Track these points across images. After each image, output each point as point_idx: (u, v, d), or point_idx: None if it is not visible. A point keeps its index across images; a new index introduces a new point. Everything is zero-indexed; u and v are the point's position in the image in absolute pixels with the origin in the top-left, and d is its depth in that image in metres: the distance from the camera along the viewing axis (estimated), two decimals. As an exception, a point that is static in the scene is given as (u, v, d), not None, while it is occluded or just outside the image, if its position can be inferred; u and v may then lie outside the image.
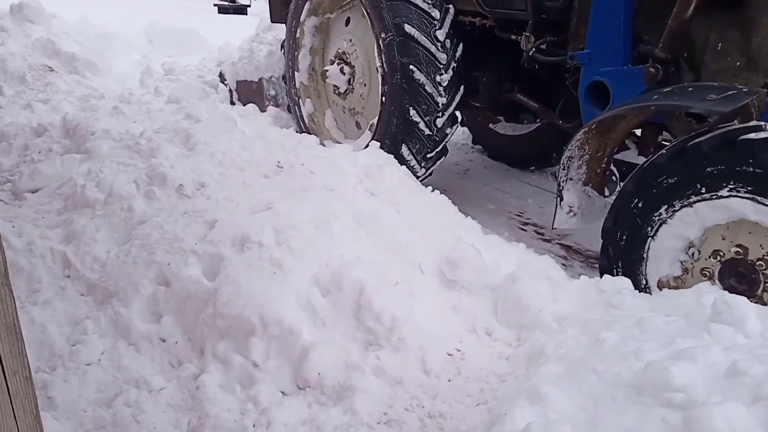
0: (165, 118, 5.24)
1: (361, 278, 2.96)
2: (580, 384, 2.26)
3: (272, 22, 6.25)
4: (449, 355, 2.85)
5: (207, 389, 2.76)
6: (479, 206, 5.05)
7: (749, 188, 2.68)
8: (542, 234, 4.74)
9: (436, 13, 4.45)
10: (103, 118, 5.11)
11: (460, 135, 6.86)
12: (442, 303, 3.09)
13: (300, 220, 3.34)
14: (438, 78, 4.42)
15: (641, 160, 3.55)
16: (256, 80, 6.68)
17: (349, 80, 5.17)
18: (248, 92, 6.75)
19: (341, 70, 5.15)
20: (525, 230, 4.80)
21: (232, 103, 6.81)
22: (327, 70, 5.20)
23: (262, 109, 6.60)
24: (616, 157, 3.96)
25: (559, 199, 3.51)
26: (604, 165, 3.62)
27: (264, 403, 2.70)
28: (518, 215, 5.04)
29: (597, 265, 4.33)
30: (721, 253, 2.94)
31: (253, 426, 2.60)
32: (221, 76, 7.19)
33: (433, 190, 4.07)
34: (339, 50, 5.24)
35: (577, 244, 4.63)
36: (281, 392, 2.78)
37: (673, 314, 2.68)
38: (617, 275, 3.19)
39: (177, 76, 7.33)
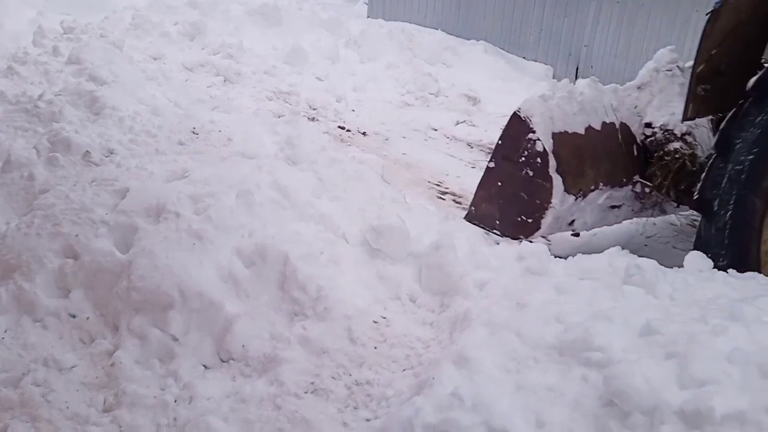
0: (66, 80, 4.89)
1: (285, 249, 2.91)
2: (503, 347, 2.32)
3: (684, 119, 3.30)
4: (375, 322, 2.86)
5: (123, 365, 2.65)
6: (399, 175, 5.06)
7: None
8: (460, 203, 4.82)
9: None
10: (-5, 78, 4.70)
11: (381, 108, 6.85)
12: (367, 272, 3.08)
13: (219, 190, 3.23)
14: None
15: None
16: (582, 131, 3.61)
17: None
18: (577, 153, 3.57)
19: None
20: (444, 199, 4.87)
21: (547, 175, 3.44)
22: None
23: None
24: None
25: None
26: None
27: (185, 377, 2.62)
28: (437, 185, 5.10)
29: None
30: None
31: (175, 401, 2.52)
32: (523, 120, 3.52)
33: (353, 159, 4.04)
34: None
35: (494, 212, 4.75)
36: (203, 366, 2.70)
37: (588, 278, 2.80)
38: None
39: (77, 36, 6.82)
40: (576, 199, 3.52)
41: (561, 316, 2.39)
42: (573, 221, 3.64)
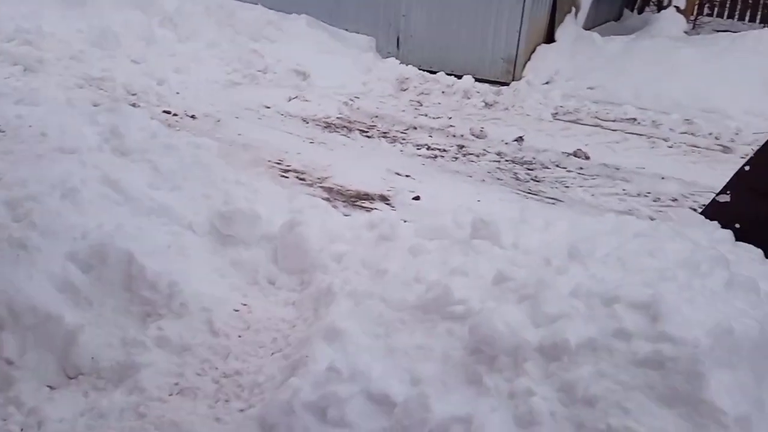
0: None
1: (128, 246, 2.71)
2: (370, 314, 2.37)
3: None
4: (235, 311, 2.78)
5: (-50, 402, 2.32)
6: (236, 157, 4.89)
7: None
8: (304, 179, 4.79)
9: None
10: None
11: (207, 88, 6.55)
12: (220, 260, 2.98)
13: (40, 191, 2.92)
14: None
15: None
16: None
17: None
18: None
19: None
20: (287, 177, 4.80)
21: None
22: None
23: None
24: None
25: None
26: None
27: (29, 402, 2.37)
28: (278, 163, 5.02)
29: (358, 203, 4.56)
30: None
31: (21, 430, 2.27)
32: None
33: (189, 144, 3.83)
34: None
35: (338, 185, 4.78)
36: (48, 386, 2.47)
37: (437, 237, 2.92)
38: None
39: None
40: None
41: (419, 276, 2.49)
42: None
